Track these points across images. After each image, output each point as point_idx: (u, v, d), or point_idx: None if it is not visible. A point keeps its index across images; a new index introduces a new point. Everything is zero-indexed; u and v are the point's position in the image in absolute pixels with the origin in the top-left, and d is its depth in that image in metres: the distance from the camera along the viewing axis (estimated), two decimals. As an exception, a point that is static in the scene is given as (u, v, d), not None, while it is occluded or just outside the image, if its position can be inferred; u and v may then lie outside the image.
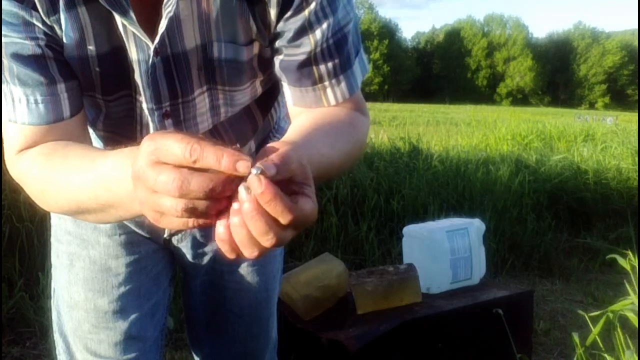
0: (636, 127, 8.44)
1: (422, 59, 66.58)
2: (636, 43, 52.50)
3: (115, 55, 0.73)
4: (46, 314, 2.42)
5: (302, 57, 0.74)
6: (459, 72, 63.84)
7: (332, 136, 0.70)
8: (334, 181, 3.57)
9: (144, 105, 0.77)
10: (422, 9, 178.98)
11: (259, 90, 0.84)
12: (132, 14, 0.68)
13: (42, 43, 0.70)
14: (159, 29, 0.70)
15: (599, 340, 1.14)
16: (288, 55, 0.75)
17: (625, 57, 59.97)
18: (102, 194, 0.63)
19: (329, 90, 0.76)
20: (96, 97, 0.76)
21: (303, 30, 0.72)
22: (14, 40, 0.69)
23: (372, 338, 1.67)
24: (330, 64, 0.75)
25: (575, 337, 1.10)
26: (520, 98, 60.42)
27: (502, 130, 8.36)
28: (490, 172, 4.38)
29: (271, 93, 0.88)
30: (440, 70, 64.94)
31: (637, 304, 1.08)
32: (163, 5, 0.68)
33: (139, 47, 0.72)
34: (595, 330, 1.07)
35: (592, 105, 58.97)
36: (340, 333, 1.72)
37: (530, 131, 8.03)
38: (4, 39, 0.69)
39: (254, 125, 0.90)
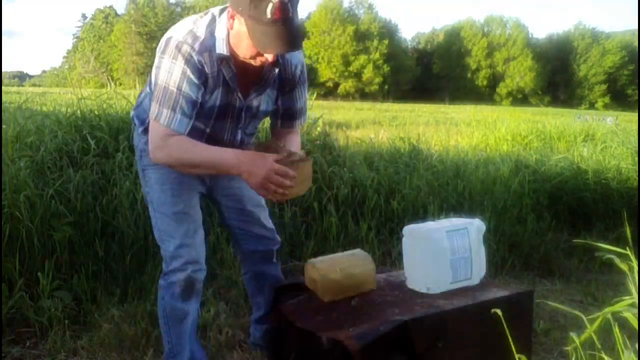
0: (636, 127, 8.43)
1: (422, 59, 66.50)
2: (636, 43, 52.44)
3: (225, 105, 1.79)
4: (46, 314, 2.42)
5: (291, 112, 1.94)
6: (459, 72, 63.69)
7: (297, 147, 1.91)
8: (334, 181, 3.58)
9: (229, 123, 1.85)
10: (422, 9, 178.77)
11: (260, 121, 2.00)
12: (238, 91, 1.78)
13: (199, 99, 1.70)
14: (250, 98, 1.82)
15: (596, 341, 1.14)
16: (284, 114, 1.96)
17: (625, 57, 59.84)
18: (218, 161, 1.71)
19: (297, 122, 1.97)
20: (209, 123, 1.81)
21: (294, 102, 1.92)
22: (190, 93, 1.67)
23: (372, 338, 1.67)
24: (302, 113, 1.97)
25: (574, 337, 1.10)
26: (520, 98, 60.29)
27: (502, 130, 8.34)
28: (490, 172, 4.38)
29: (260, 122, 2.03)
30: (440, 70, 64.80)
31: (636, 304, 1.08)
32: (253, 90, 1.81)
33: (239, 102, 1.81)
34: (591, 329, 1.07)
35: (592, 105, 58.87)
36: (340, 333, 1.72)
37: (530, 131, 8.02)
38: (184, 91, 1.66)
39: (253, 137, 2.02)
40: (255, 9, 1.50)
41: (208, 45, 1.65)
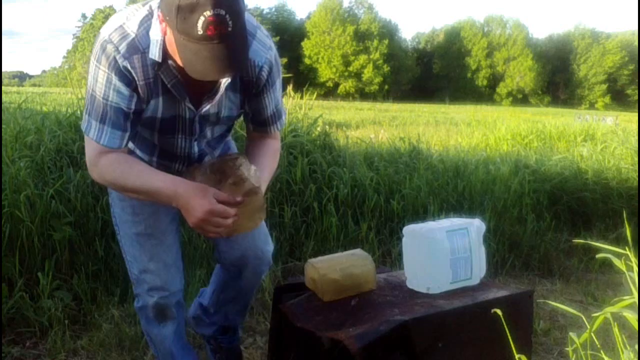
0: (636, 127, 8.43)
1: (422, 59, 66.49)
2: (636, 43, 52.41)
3: (172, 118, 1.49)
4: (46, 314, 2.42)
5: (261, 119, 1.62)
6: (459, 72, 63.67)
7: (269, 165, 1.61)
8: (334, 181, 3.58)
9: (180, 138, 1.56)
10: (422, 9, 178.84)
11: (230, 125, 1.70)
12: (188, 99, 1.46)
13: (131, 109, 1.41)
14: (202, 108, 1.49)
15: (596, 341, 1.14)
16: (255, 117, 1.63)
17: (625, 57, 59.80)
18: (154, 190, 1.41)
19: (272, 127, 1.64)
20: (154, 135, 1.55)
21: (263, 108, 1.58)
22: (118, 103, 1.38)
23: (372, 338, 1.67)
24: (274, 119, 1.63)
25: (574, 337, 1.10)
26: (520, 98, 60.27)
27: (502, 130, 8.36)
28: (490, 172, 4.38)
29: (231, 127, 1.74)
30: (440, 70, 64.78)
31: (637, 304, 1.08)
32: (206, 98, 1.46)
33: (189, 112, 1.50)
34: (590, 330, 1.07)
35: (592, 105, 58.85)
36: (340, 333, 1.72)
37: (530, 131, 8.03)
38: (112, 100, 1.37)
39: (224, 139, 1.78)
40: (184, 22, 1.18)
41: (140, 47, 1.35)
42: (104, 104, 1.37)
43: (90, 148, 1.43)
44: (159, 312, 1.74)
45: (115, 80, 1.35)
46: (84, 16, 71.18)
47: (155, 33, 1.34)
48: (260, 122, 1.63)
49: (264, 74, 1.49)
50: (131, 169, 1.42)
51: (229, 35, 1.19)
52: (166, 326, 1.78)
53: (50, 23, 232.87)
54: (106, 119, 1.39)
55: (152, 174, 1.44)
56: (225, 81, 1.42)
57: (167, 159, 1.63)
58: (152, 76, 1.38)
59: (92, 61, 1.38)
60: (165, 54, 1.34)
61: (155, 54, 1.34)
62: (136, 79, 1.36)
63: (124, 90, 1.37)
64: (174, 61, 1.33)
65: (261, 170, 1.51)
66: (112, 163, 1.42)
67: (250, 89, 1.52)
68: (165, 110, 1.46)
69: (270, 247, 1.90)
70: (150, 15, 1.36)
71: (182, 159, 1.63)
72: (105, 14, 65.87)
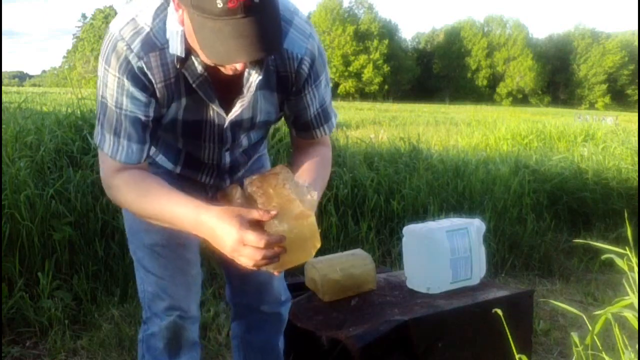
0: (636, 127, 8.43)
1: (422, 59, 66.45)
2: (636, 43, 52.40)
3: (196, 123, 1.27)
4: (46, 314, 2.42)
5: (303, 121, 1.34)
6: (459, 72, 63.63)
7: (319, 179, 1.29)
8: (333, 181, 3.58)
9: (208, 146, 1.34)
10: (422, 9, 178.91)
11: (267, 129, 1.49)
12: (217, 101, 1.21)
13: (150, 116, 1.19)
14: (233, 113, 1.24)
15: (597, 341, 1.14)
16: (295, 119, 1.35)
17: (625, 57, 59.76)
18: (171, 217, 1.15)
19: (317, 131, 1.37)
20: (178, 139, 1.33)
21: (304, 108, 1.31)
22: (134, 112, 1.16)
23: (372, 338, 1.67)
24: (320, 121, 1.36)
25: (575, 337, 1.10)
26: (520, 98, 60.26)
27: (502, 130, 8.37)
28: (490, 172, 4.38)
29: (268, 130, 1.53)
30: (440, 70, 64.74)
31: (636, 304, 1.08)
32: (238, 101, 1.21)
33: (219, 117, 1.26)
34: (593, 331, 1.07)
35: (592, 105, 58.82)
36: (340, 333, 1.72)
37: (530, 131, 8.04)
38: (126, 109, 1.15)
39: (260, 145, 1.54)
40: None
41: (158, 42, 1.13)
42: (117, 114, 1.16)
43: (105, 165, 1.22)
44: (174, 336, 1.44)
45: (128, 85, 1.13)
46: (84, 16, 71.28)
47: (173, 23, 1.11)
48: (303, 126, 1.36)
49: (305, 67, 1.24)
50: (148, 194, 1.17)
51: (256, 7, 0.97)
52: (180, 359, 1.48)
53: (50, 23, 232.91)
54: (121, 130, 1.17)
55: (172, 197, 1.16)
56: (256, 77, 1.18)
57: (193, 168, 1.42)
58: (174, 75, 1.16)
59: (100, 62, 1.15)
60: (188, 47, 1.12)
61: (176, 47, 1.12)
62: (154, 81, 1.15)
63: (140, 95, 1.15)
64: (198, 55, 1.11)
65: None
66: (128, 183, 1.19)
67: (289, 87, 1.27)
68: (187, 114, 1.24)
69: (287, 294, 1.69)
70: (166, 3, 1.13)
71: (210, 170, 1.42)
72: (105, 14, 65.94)
